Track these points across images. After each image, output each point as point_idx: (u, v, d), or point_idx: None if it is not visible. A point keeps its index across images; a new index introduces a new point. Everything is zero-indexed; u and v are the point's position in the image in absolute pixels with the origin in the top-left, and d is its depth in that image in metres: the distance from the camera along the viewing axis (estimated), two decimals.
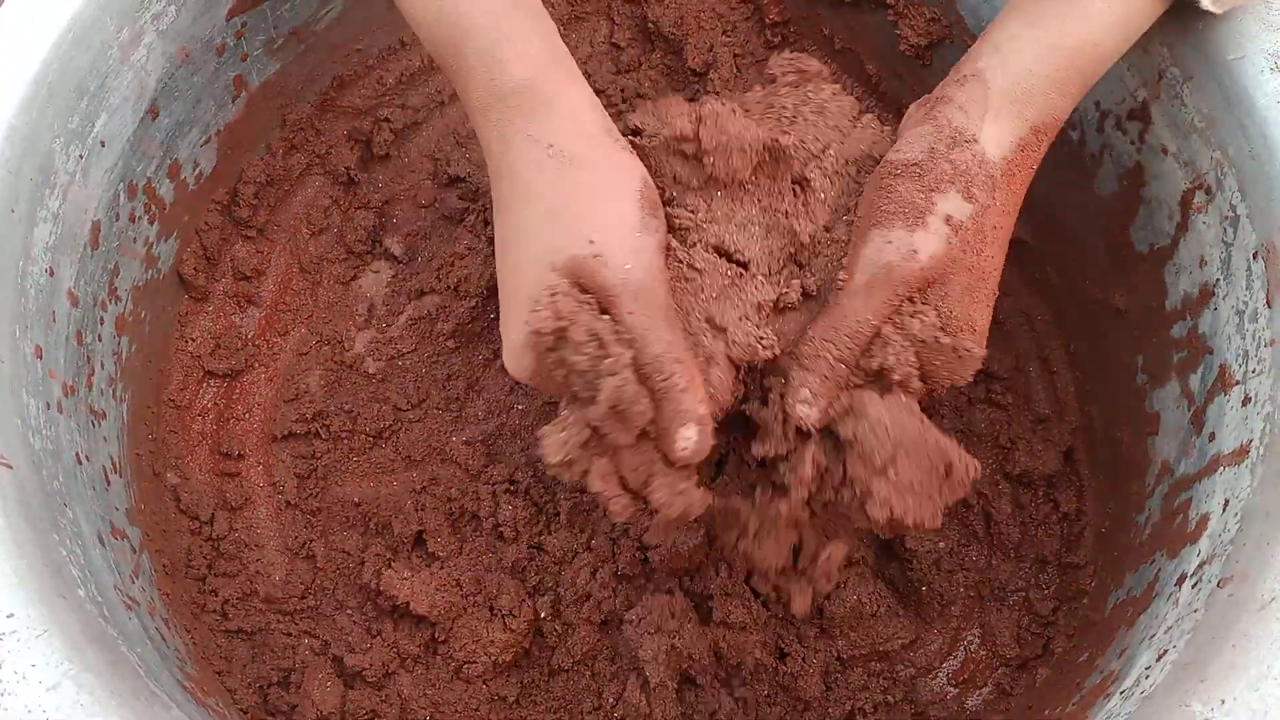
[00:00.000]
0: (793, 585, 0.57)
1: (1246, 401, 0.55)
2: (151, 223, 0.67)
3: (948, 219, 0.51)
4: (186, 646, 0.61)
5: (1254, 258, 0.55)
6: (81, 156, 0.59)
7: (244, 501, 0.72)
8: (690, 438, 0.50)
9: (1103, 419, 0.71)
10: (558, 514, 0.69)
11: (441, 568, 0.68)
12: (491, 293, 0.68)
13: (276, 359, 0.76)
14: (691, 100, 0.78)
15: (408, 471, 0.72)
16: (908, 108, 0.77)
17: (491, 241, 0.67)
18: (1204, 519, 0.55)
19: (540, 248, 0.51)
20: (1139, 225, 0.64)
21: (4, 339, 0.53)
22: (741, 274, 0.54)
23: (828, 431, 0.53)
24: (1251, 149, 0.55)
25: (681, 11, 0.80)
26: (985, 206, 0.52)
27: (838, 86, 0.60)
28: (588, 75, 0.80)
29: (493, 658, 0.65)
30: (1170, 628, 0.52)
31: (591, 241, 0.50)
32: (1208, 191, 0.58)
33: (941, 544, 0.71)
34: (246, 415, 0.74)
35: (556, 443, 0.50)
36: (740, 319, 0.53)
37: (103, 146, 0.60)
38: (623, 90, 0.81)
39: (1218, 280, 0.58)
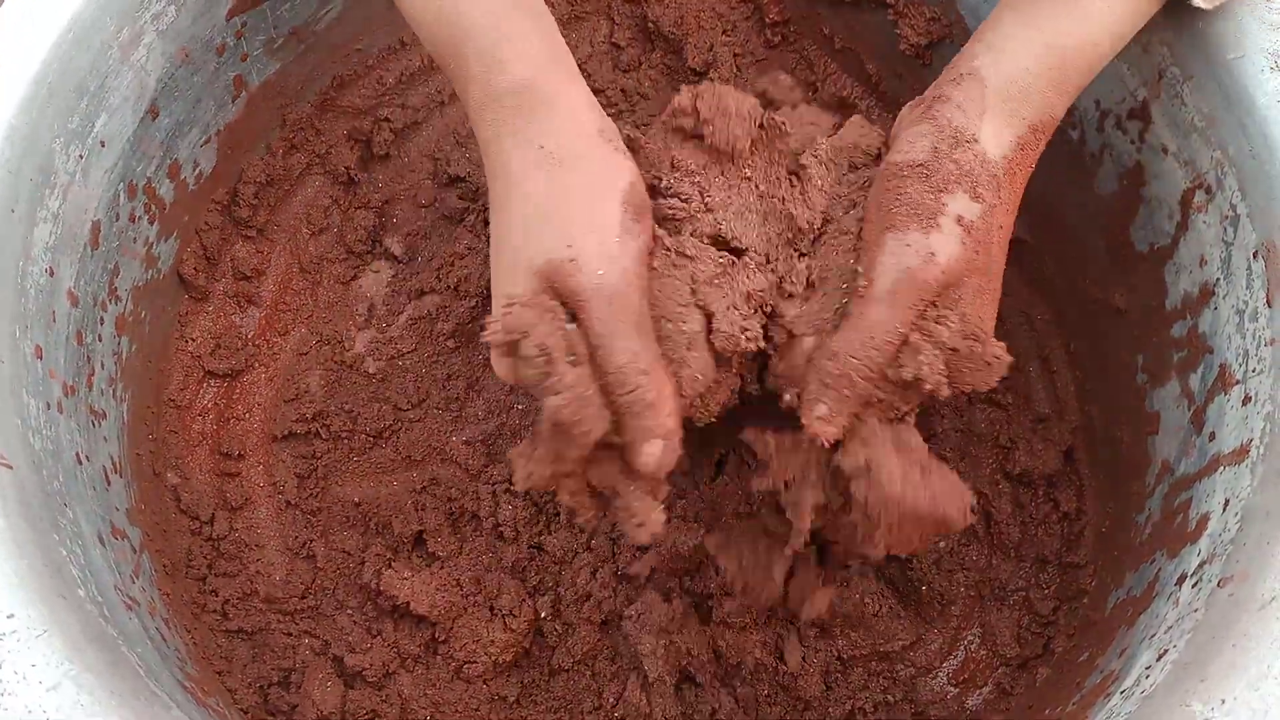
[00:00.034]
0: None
1: (1247, 401, 0.55)
2: (151, 223, 0.67)
3: (959, 219, 0.51)
4: (187, 646, 0.61)
5: (1254, 257, 0.55)
6: (81, 156, 0.58)
7: (244, 501, 0.72)
8: (653, 453, 0.50)
9: (1103, 418, 0.71)
10: (558, 514, 0.69)
11: (442, 568, 0.68)
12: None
13: (277, 359, 0.76)
14: None
15: (408, 471, 0.72)
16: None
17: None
18: (1204, 518, 0.55)
19: (524, 250, 0.51)
20: (1139, 224, 0.64)
21: (4, 339, 0.53)
22: (734, 263, 0.54)
23: (828, 461, 0.53)
24: (1252, 148, 0.55)
25: (681, 11, 0.80)
26: (992, 206, 0.52)
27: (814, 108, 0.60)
28: (587, 75, 0.80)
29: (493, 657, 0.65)
30: (1170, 627, 0.52)
31: (570, 246, 0.49)
32: (1208, 191, 0.58)
33: (942, 544, 0.71)
34: (247, 415, 0.74)
35: (522, 473, 0.51)
36: (728, 308, 0.53)
37: (103, 146, 0.60)
38: (623, 90, 0.81)
39: (1218, 279, 0.58)
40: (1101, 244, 0.67)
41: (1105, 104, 0.64)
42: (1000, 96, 0.53)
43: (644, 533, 0.52)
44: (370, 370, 0.75)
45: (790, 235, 0.55)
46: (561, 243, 0.50)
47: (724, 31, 0.80)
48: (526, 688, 0.67)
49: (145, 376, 0.69)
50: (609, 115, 0.78)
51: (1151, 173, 0.62)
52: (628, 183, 0.51)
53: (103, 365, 0.63)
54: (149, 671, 0.51)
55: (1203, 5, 0.54)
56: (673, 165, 0.55)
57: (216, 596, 0.68)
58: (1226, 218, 0.57)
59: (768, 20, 0.80)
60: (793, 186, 0.55)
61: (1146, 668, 0.51)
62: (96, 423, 0.61)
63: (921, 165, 0.51)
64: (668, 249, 0.53)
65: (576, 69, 0.54)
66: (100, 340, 0.63)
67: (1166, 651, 0.50)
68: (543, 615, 0.67)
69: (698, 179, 0.55)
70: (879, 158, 0.57)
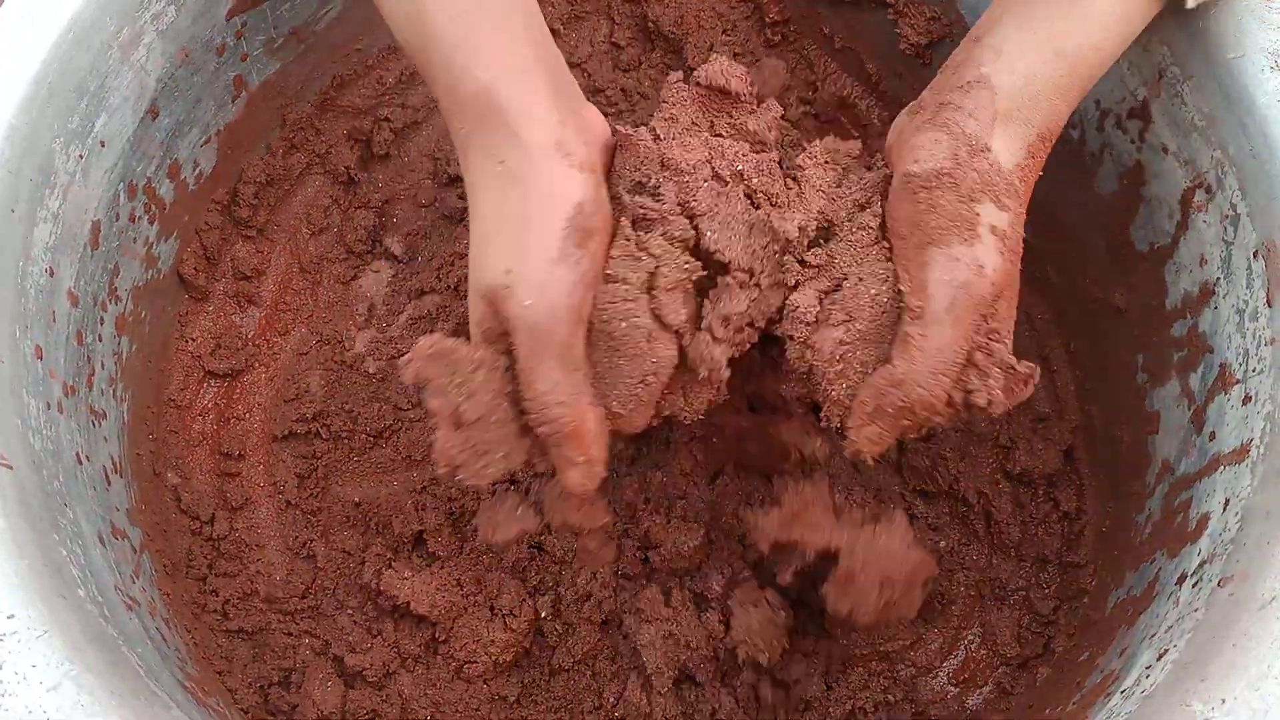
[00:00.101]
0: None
1: (1247, 400, 0.55)
2: (151, 223, 0.67)
3: (993, 229, 0.50)
4: (187, 646, 0.61)
5: (1254, 256, 0.55)
6: (81, 156, 0.58)
7: (244, 501, 0.72)
8: (572, 480, 0.51)
9: (1103, 418, 0.71)
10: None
11: (442, 567, 0.68)
12: None
13: (277, 359, 0.76)
14: None
15: (408, 471, 0.72)
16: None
17: None
18: (1204, 518, 0.55)
19: (474, 270, 0.51)
20: (1139, 224, 0.64)
21: (4, 339, 0.53)
22: (720, 281, 0.52)
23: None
24: (1252, 147, 0.55)
25: (681, 11, 0.80)
26: (1016, 214, 0.51)
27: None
28: (587, 75, 0.81)
29: (493, 657, 0.65)
30: (1171, 627, 0.52)
31: (507, 271, 0.49)
32: (1208, 190, 0.58)
33: (942, 543, 0.71)
34: (247, 415, 0.74)
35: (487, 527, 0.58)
36: (703, 326, 0.52)
37: (103, 146, 0.60)
38: (623, 90, 0.81)
39: (1218, 279, 0.58)
40: (1101, 243, 0.67)
41: (1105, 103, 0.64)
42: (1010, 104, 0.52)
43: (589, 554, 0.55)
44: (370, 370, 0.75)
45: (779, 247, 0.53)
46: (500, 267, 0.49)
47: (724, 31, 0.80)
48: (527, 688, 0.67)
49: (145, 376, 0.69)
50: (608, 115, 0.79)
51: (1151, 172, 0.62)
52: (574, 204, 0.49)
53: (103, 365, 0.63)
54: (149, 672, 0.51)
55: (1189, 4, 0.54)
56: (663, 164, 0.53)
57: (217, 596, 0.68)
58: (1227, 217, 0.57)
59: (768, 20, 0.80)
60: (788, 189, 0.54)
61: (1147, 667, 0.51)
62: (97, 423, 0.61)
63: (947, 174, 0.50)
64: (627, 239, 0.51)
65: (542, 79, 0.51)
66: (100, 340, 0.63)
67: (1167, 651, 0.50)
68: (543, 615, 0.67)
69: (686, 179, 0.53)
70: (861, 159, 0.57)
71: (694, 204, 0.52)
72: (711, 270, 0.53)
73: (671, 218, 0.52)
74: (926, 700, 0.68)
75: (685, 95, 0.56)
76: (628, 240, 0.51)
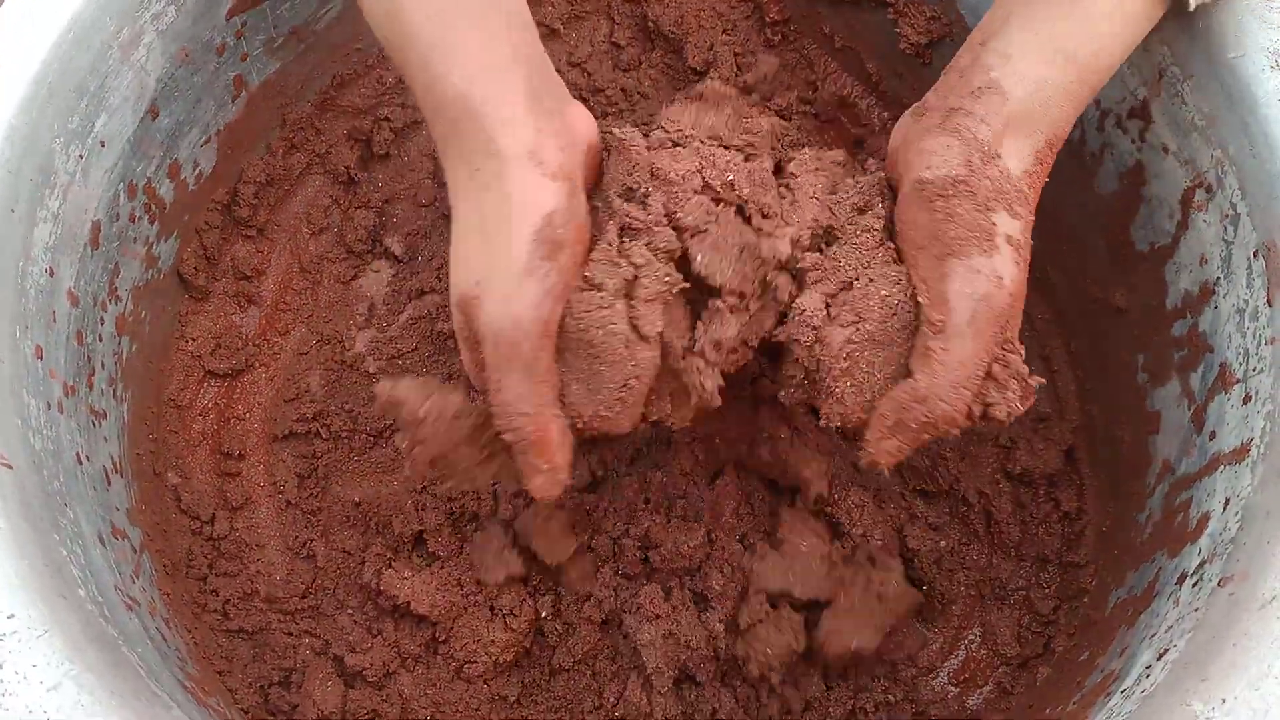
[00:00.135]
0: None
1: (1247, 400, 0.55)
2: (152, 222, 0.67)
3: (1008, 239, 0.49)
4: (187, 646, 0.61)
5: (1254, 256, 0.55)
6: (81, 156, 0.58)
7: (245, 501, 0.72)
8: (536, 486, 0.51)
9: (1103, 418, 0.71)
10: None
11: (442, 567, 0.68)
12: None
13: (277, 359, 0.76)
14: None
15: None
16: (907, 106, 0.77)
17: None
18: (1205, 518, 0.55)
19: (451, 277, 0.51)
20: (1139, 224, 0.64)
21: (4, 339, 0.53)
22: (685, 284, 0.52)
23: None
24: (1252, 147, 0.55)
25: (681, 10, 0.80)
26: (1026, 222, 0.51)
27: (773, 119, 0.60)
28: (587, 75, 0.81)
29: (493, 657, 0.65)
30: (1171, 627, 0.52)
31: (477, 282, 0.49)
32: (1208, 190, 0.58)
33: (943, 543, 0.70)
34: (247, 415, 0.74)
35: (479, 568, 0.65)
36: (695, 349, 0.52)
37: (103, 146, 0.60)
38: (623, 89, 0.81)
39: (1218, 278, 0.58)
40: (1102, 243, 0.67)
41: (1105, 103, 0.63)
42: (1021, 110, 0.51)
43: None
44: (371, 370, 0.75)
45: (771, 267, 0.53)
46: (471, 277, 0.50)
47: (724, 31, 0.80)
48: (527, 687, 0.67)
49: (145, 376, 0.69)
50: (608, 115, 0.79)
51: (1152, 172, 0.62)
52: (544, 216, 0.49)
53: (103, 365, 0.63)
54: (149, 671, 0.51)
55: (1192, 5, 0.54)
56: (652, 173, 0.52)
57: (217, 596, 0.68)
58: (1227, 216, 0.57)
59: (767, 19, 0.80)
60: (782, 198, 0.54)
61: (1147, 667, 0.51)
62: (97, 423, 0.61)
63: (963, 182, 0.49)
64: (609, 245, 0.51)
65: (520, 81, 0.50)
66: (100, 340, 0.63)
67: (1167, 651, 0.50)
68: (543, 615, 0.67)
69: (675, 189, 0.52)
70: (847, 165, 0.56)
71: (681, 216, 0.52)
72: (698, 287, 0.52)
73: (657, 228, 0.51)
74: (927, 700, 0.68)
75: (681, 110, 0.56)
76: (610, 245, 0.51)
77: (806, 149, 0.55)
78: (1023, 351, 0.51)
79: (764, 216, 0.53)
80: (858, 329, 0.51)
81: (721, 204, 0.52)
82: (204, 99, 0.67)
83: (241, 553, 0.70)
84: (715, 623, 0.65)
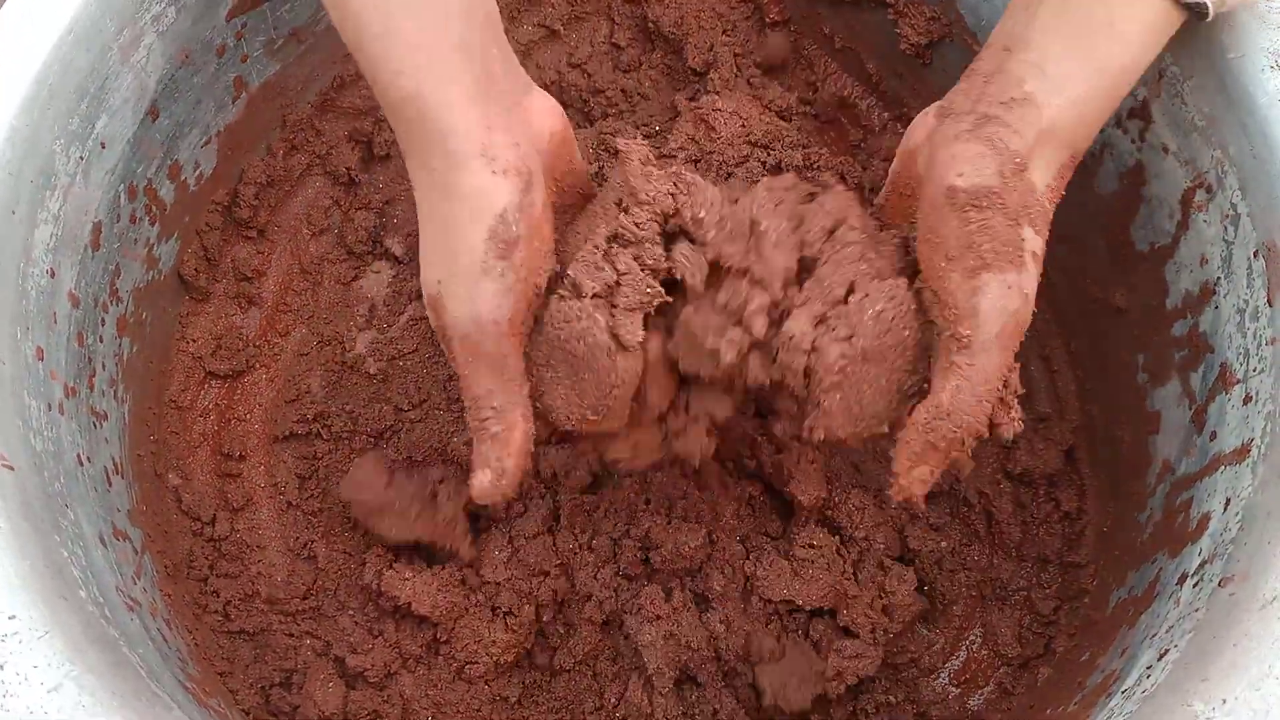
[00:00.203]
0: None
1: (1248, 400, 0.55)
2: (152, 224, 0.67)
3: (1033, 255, 0.49)
4: (188, 647, 0.61)
5: (1255, 256, 0.55)
6: (82, 158, 0.59)
7: (245, 502, 0.72)
8: (480, 481, 0.51)
9: (1104, 418, 0.71)
10: (558, 514, 0.69)
11: (443, 568, 0.68)
12: None
13: (277, 360, 0.76)
14: (692, 99, 0.78)
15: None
16: (908, 106, 0.78)
17: None
18: (1205, 518, 0.55)
19: (421, 277, 0.52)
20: (1140, 224, 0.64)
21: (5, 340, 0.53)
22: (667, 300, 0.52)
23: None
24: (1252, 147, 0.55)
25: (681, 11, 0.80)
26: (1044, 239, 0.50)
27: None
28: (588, 75, 0.81)
29: (494, 658, 0.65)
30: (1172, 627, 0.52)
31: (439, 282, 0.50)
32: (1208, 190, 0.58)
33: (943, 543, 0.71)
34: (248, 416, 0.74)
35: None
36: (690, 413, 0.54)
37: (103, 148, 0.60)
38: (623, 90, 0.81)
39: (1219, 279, 0.58)
40: (1102, 243, 0.67)
41: None
42: (1055, 125, 0.51)
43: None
44: (371, 371, 0.75)
45: (748, 345, 0.52)
46: (434, 277, 0.50)
47: (724, 31, 0.80)
48: (528, 688, 0.67)
49: (146, 377, 0.69)
50: (608, 115, 0.79)
51: (1152, 172, 0.62)
52: (495, 215, 0.49)
53: (104, 366, 0.63)
54: (150, 673, 0.51)
55: (1210, 17, 0.53)
56: (636, 199, 0.52)
57: (218, 597, 0.68)
58: (1227, 217, 0.57)
59: (768, 20, 0.80)
60: (748, 252, 0.52)
61: (1148, 667, 0.51)
62: (98, 424, 0.61)
63: (996, 193, 0.49)
64: (596, 248, 0.51)
65: (476, 76, 0.49)
66: (101, 341, 0.63)
67: (1168, 651, 0.50)
68: (544, 616, 0.67)
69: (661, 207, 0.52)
70: (796, 187, 0.55)
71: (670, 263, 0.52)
72: (675, 300, 0.52)
73: (648, 245, 0.51)
74: (928, 701, 0.68)
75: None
76: (596, 249, 0.51)
77: (758, 187, 0.54)
78: (1017, 368, 0.50)
79: (739, 275, 0.52)
80: (851, 344, 0.50)
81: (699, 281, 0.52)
82: (204, 100, 0.67)
83: (242, 554, 0.70)
84: (716, 623, 0.65)
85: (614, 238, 0.52)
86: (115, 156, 0.61)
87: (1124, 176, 0.64)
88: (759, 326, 0.51)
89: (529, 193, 0.50)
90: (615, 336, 0.51)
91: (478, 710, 0.66)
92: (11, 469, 0.50)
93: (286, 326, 0.76)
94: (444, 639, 0.66)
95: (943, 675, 0.69)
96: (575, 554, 0.68)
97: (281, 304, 0.76)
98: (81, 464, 0.57)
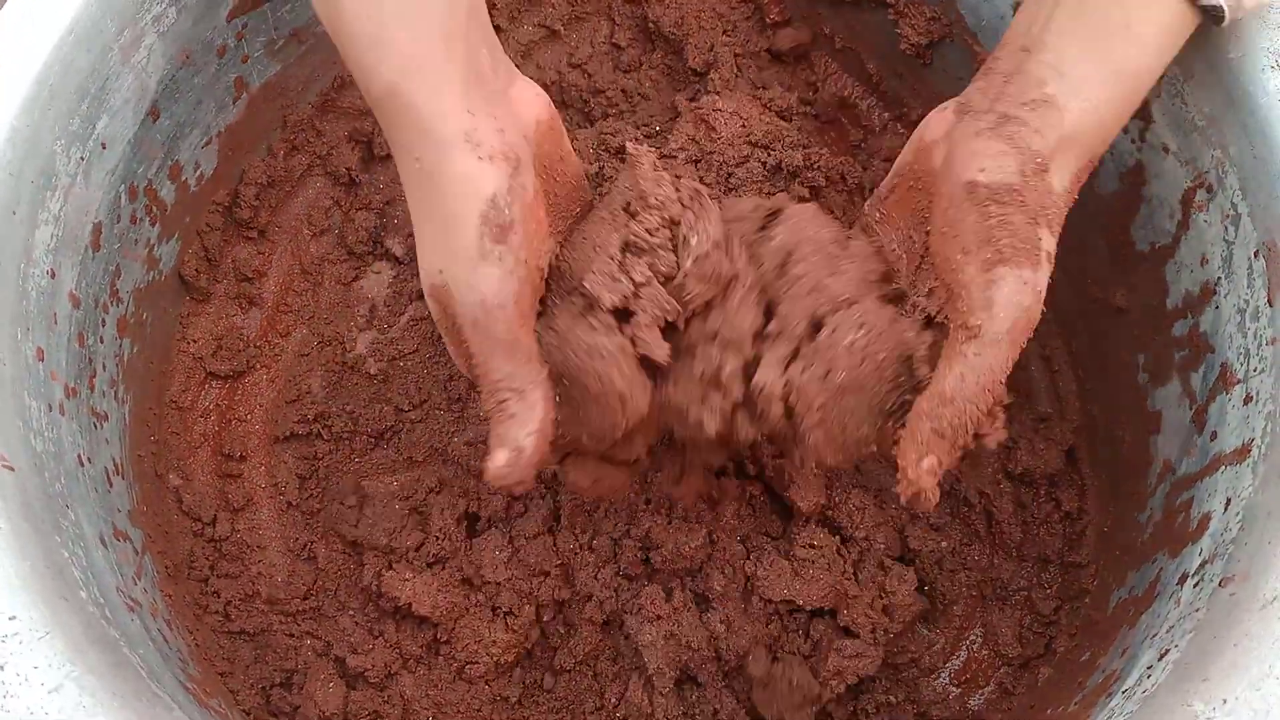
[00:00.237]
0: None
1: (1248, 400, 0.55)
2: (153, 224, 0.67)
3: (1048, 255, 0.49)
4: (189, 648, 0.61)
5: (1255, 256, 0.55)
6: (83, 158, 0.59)
7: (246, 503, 0.72)
8: (496, 462, 0.49)
9: (1104, 418, 0.70)
10: (559, 514, 0.69)
11: (443, 568, 0.68)
12: None
13: (278, 360, 0.76)
14: (692, 99, 0.78)
15: (409, 472, 0.72)
16: (908, 106, 0.78)
17: None
18: (1205, 518, 0.55)
19: (420, 269, 0.51)
20: (1140, 224, 0.64)
21: (5, 341, 0.53)
22: (684, 315, 0.52)
23: None
24: (1253, 147, 0.55)
25: (682, 11, 0.80)
26: (1056, 241, 0.50)
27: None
28: (588, 75, 0.81)
29: (495, 658, 0.65)
30: (1172, 627, 0.52)
31: (440, 271, 0.50)
32: (1209, 190, 0.58)
33: (944, 543, 0.70)
34: (248, 416, 0.74)
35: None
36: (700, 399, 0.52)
37: (104, 148, 0.60)
38: (623, 90, 0.81)
39: (1219, 278, 0.58)
40: (1102, 243, 0.67)
41: None
42: (1076, 129, 0.51)
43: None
44: (372, 371, 0.75)
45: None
46: (434, 267, 0.50)
47: (724, 32, 0.80)
48: (528, 688, 0.67)
49: (147, 378, 0.69)
50: (609, 115, 0.79)
51: (1152, 172, 0.62)
52: (485, 199, 0.49)
53: (104, 367, 0.63)
54: (151, 673, 0.51)
55: (1226, 20, 0.53)
56: (646, 203, 0.52)
57: (218, 598, 0.68)
58: (1227, 216, 0.57)
59: (768, 20, 0.80)
60: (711, 310, 0.52)
61: (1148, 667, 0.51)
62: (98, 424, 0.61)
63: (1017, 191, 0.49)
64: (611, 258, 0.51)
65: (460, 62, 0.49)
66: (102, 342, 0.63)
67: (1168, 651, 0.50)
68: (544, 616, 0.67)
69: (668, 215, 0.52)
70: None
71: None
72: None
73: (661, 251, 0.51)
74: (928, 701, 0.68)
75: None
76: (611, 259, 0.51)
77: (704, 231, 0.52)
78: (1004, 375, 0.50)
79: (708, 339, 0.52)
80: (828, 380, 0.50)
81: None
82: (205, 100, 0.67)
83: (243, 554, 0.70)
84: (717, 623, 0.65)
85: (627, 246, 0.51)
86: (116, 157, 0.61)
87: (1124, 176, 0.64)
88: (737, 390, 0.52)
89: (517, 176, 0.50)
90: (642, 356, 0.51)
91: (478, 710, 0.66)
92: (12, 470, 0.50)
93: (287, 327, 0.76)
94: (444, 639, 0.66)
95: (943, 675, 0.69)
96: (575, 554, 0.68)
97: (282, 304, 0.77)
98: (82, 465, 0.57)
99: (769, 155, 0.73)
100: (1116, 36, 0.51)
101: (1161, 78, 0.59)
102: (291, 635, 0.68)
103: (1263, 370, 0.54)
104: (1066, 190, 0.51)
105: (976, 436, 0.49)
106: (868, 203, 0.58)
